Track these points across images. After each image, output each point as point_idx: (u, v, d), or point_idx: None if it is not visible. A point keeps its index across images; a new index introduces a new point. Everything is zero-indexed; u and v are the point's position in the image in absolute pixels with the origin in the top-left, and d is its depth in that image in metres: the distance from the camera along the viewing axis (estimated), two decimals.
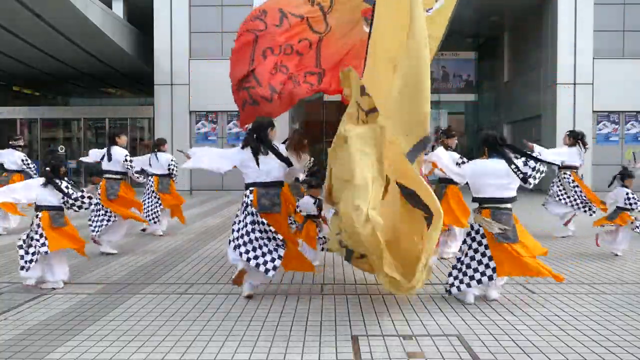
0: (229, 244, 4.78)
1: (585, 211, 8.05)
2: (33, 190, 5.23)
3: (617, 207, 6.80)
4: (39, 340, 3.74)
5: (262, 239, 4.67)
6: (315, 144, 25.66)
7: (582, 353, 3.48)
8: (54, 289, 5.13)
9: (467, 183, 5.00)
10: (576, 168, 8.23)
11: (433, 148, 5.98)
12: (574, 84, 16.94)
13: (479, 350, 3.53)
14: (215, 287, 5.23)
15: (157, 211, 8.34)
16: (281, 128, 19.06)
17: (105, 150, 7.25)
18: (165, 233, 8.62)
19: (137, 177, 7.51)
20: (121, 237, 7.23)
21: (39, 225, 5.11)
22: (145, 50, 18.04)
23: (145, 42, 18.07)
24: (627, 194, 6.71)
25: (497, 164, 4.63)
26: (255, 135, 4.86)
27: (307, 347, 3.58)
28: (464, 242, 4.75)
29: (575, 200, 8.10)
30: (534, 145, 7.91)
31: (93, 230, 6.89)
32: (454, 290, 4.63)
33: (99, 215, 6.90)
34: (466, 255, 4.64)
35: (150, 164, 8.41)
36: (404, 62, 4.36)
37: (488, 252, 4.51)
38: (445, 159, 5.48)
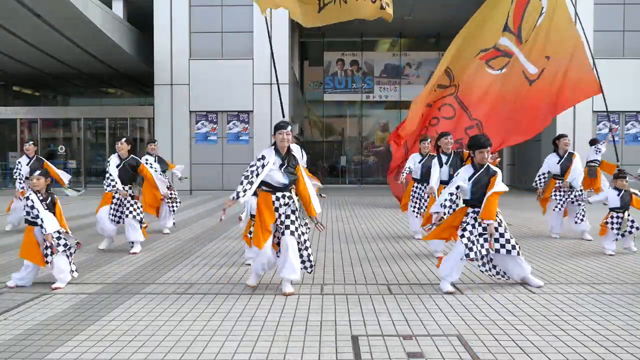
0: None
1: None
2: None
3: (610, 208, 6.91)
4: (39, 340, 3.74)
5: None
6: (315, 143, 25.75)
7: (582, 353, 3.48)
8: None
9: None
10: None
11: None
12: None
13: (479, 350, 3.53)
14: (215, 287, 5.23)
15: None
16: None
17: None
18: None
19: None
20: None
21: None
22: (145, 50, 18.04)
23: (145, 42, 18.08)
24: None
25: None
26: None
27: (307, 347, 3.58)
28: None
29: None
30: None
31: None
32: None
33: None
34: None
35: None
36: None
37: None
38: None
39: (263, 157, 4.94)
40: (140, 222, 7.11)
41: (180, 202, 9.14)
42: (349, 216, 11.36)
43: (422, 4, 19.20)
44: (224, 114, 17.54)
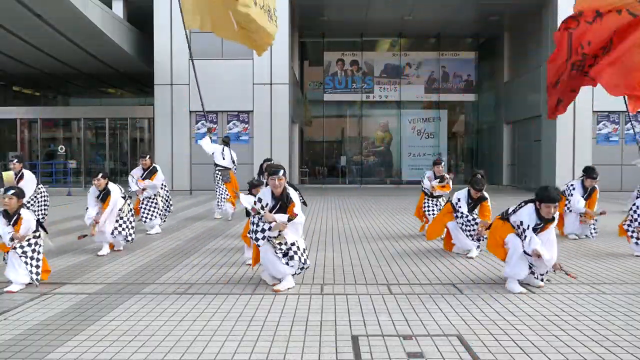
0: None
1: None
2: None
3: None
4: (39, 340, 3.74)
5: None
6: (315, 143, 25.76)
7: (582, 353, 3.48)
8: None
9: None
10: None
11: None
12: None
13: (479, 350, 3.53)
14: (215, 287, 5.23)
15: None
16: (281, 127, 19.01)
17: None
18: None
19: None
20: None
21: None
22: (145, 50, 18.04)
23: (145, 42, 18.07)
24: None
25: None
26: None
27: (307, 347, 3.58)
28: None
29: None
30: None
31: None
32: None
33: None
34: None
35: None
36: None
37: None
38: None
39: (260, 200, 5.10)
40: (126, 239, 7.13)
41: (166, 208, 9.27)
42: (349, 216, 11.36)
43: (422, 4, 19.19)
44: (224, 114, 17.53)
